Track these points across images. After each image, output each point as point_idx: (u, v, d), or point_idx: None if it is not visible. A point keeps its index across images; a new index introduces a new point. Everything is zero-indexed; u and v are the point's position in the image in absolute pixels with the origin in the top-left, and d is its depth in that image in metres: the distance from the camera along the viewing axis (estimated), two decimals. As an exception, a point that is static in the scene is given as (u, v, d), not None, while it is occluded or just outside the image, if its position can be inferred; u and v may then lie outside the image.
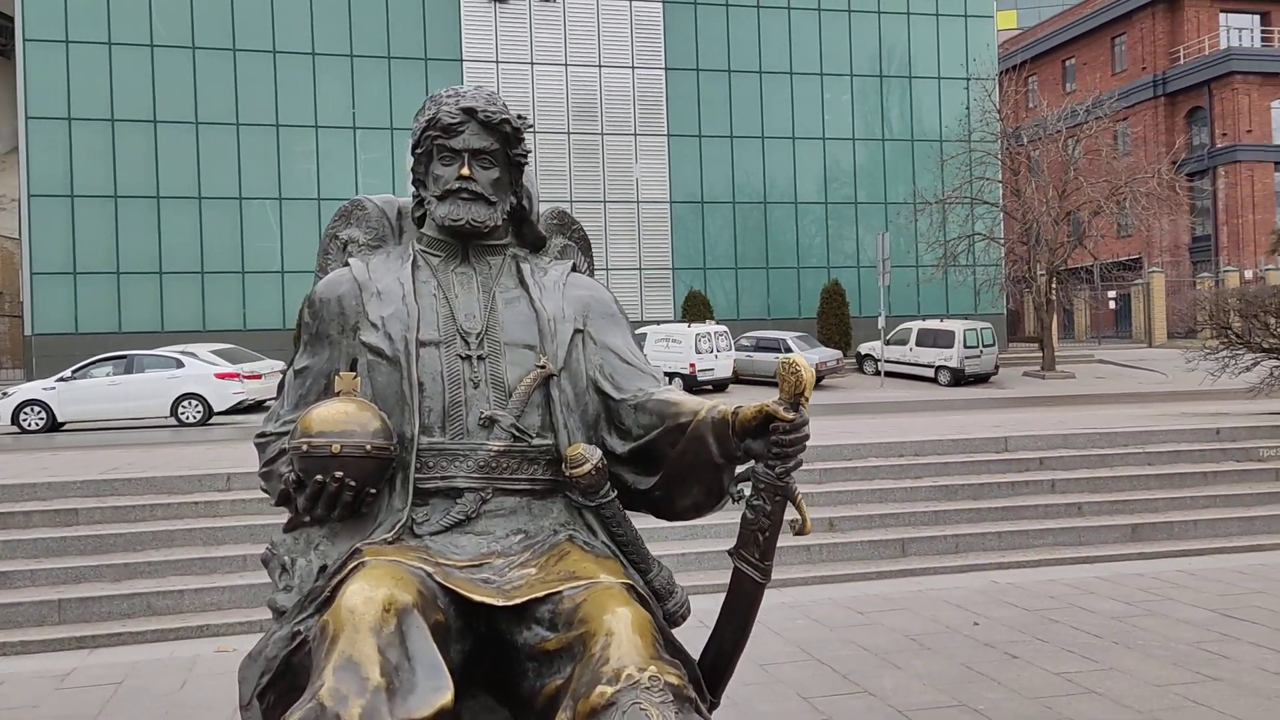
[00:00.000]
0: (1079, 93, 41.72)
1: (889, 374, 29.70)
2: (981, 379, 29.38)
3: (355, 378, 2.83)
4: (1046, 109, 33.35)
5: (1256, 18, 46.22)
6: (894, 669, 6.07)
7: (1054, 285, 31.01)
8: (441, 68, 34.43)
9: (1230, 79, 43.50)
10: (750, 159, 36.91)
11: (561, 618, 2.44)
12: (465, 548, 2.72)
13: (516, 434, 2.85)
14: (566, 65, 35.90)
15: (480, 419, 2.85)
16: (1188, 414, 13.58)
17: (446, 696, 2.22)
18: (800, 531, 2.60)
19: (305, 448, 2.65)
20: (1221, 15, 46.21)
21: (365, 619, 2.27)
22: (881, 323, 29.37)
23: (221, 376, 22.82)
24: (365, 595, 2.33)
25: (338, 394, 2.80)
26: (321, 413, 2.69)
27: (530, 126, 3.16)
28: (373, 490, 2.75)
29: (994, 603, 7.57)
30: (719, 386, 26.99)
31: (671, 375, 24.98)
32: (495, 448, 2.83)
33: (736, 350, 28.65)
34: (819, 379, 27.08)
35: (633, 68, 36.40)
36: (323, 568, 2.72)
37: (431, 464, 2.81)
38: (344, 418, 2.68)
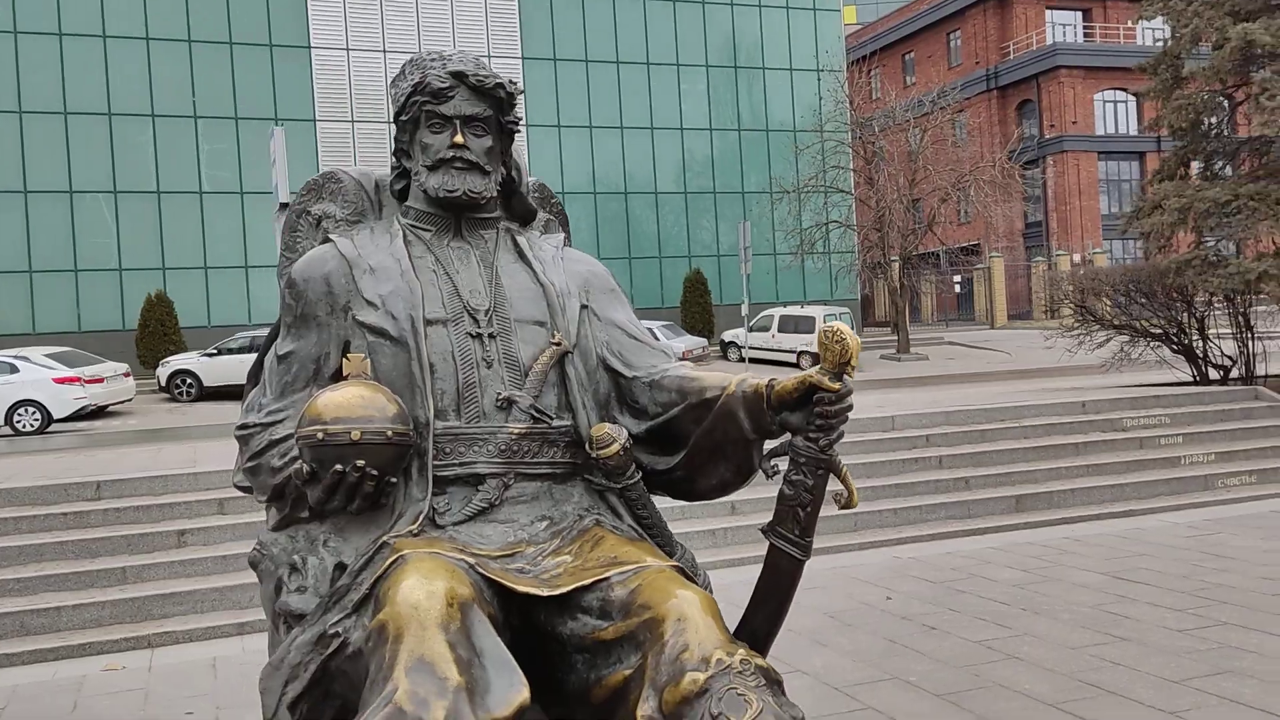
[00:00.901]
0: (918, 85, 43.39)
1: (753, 360, 30.19)
2: (842, 363, 30.16)
3: (365, 359, 2.63)
4: (895, 99, 34.50)
5: (1079, 14, 48.91)
6: (821, 647, 6.10)
7: (906, 270, 32.15)
8: (288, 55, 33.17)
9: (1056, 73, 45.92)
10: (610, 149, 36.90)
11: (615, 605, 2.31)
12: (491, 537, 2.56)
13: (536, 415, 2.69)
14: (420, 54, 35.10)
15: (498, 400, 2.68)
16: (1051, 389, 14.22)
17: (524, 693, 2.09)
18: (846, 505, 2.52)
19: (320, 435, 2.44)
20: (1047, 12, 48.72)
21: (431, 615, 2.12)
22: (745, 310, 29.85)
23: (60, 381, 21.41)
24: (426, 589, 2.16)
25: (346, 377, 2.59)
26: (335, 398, 2.48)
27: (521, 91, 3.00)
28: (393, 479, 2.56)
29: (901, 577, 7.73)
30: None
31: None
32: (516, 430, 2.67)
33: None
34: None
35: (489, 56, 35.81)
36: (339, 565, 2.52)
37: (448, 450, 2.63)
38: (361, 402, 2.48)
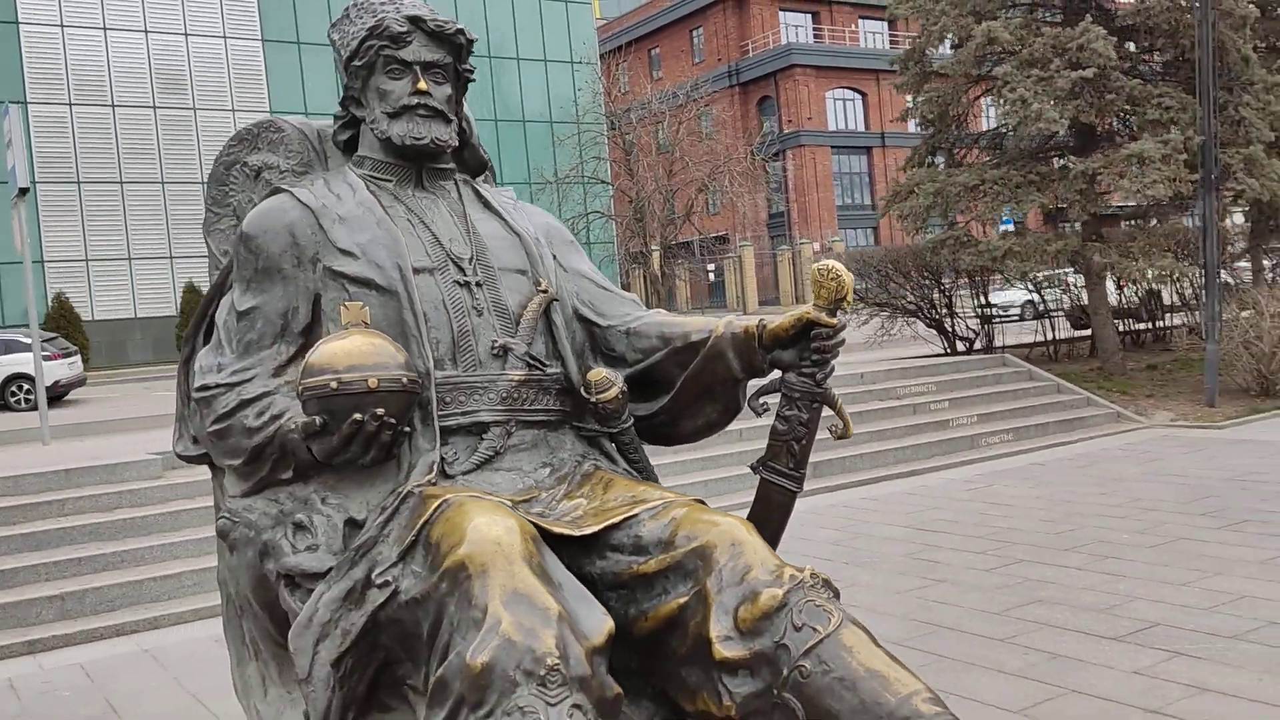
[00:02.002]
0: (665, 80, 44.64)
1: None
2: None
3: (363, 307, 2.51)
4: (650, 91, 35.36)
5: (809, 16, 51.81)
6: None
7: (665, 260, 33.07)
8: (-6, 30, 30.10)
9: (792, 71, 48.46)
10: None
11: (650, 540, 2.32)
12: (501, 485, 2.51)
13: (532, 362, 2.67)
14: (146, 32, 32.69)
15: (493, 348, 2.64)
16: (824, 364, 15.03)
17: (611, 622, 2.09)
18: (843, 435, 2.64)
19: (335, 385, 2.33)
20: (781, 13, 51.29)
21: (515, 549, 2.07)
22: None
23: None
24: (504, 525, 2.11)
25: (345, 326, 2.47)
26: (345, 346, 2.38)
27: (475, 39, 2.91)
28: (407, 429, 2.46)
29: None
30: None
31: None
32: (515, 378, 2.64)
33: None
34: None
35: (225, 37, 33.90)
36: (349, 521, 2.42)
37: (449, 399, 2.57)
38: (372, 349, 2.38)
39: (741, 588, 2.17)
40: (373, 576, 2.23)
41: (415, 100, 2.77)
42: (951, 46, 14.76)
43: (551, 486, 2.58)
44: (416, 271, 2.65)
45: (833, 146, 49.46)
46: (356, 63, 2.80)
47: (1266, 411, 12.11)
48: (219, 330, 2.76)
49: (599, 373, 2.71)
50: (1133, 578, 6.33)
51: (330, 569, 2.36)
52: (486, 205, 2.97)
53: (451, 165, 2.97)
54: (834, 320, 2.53)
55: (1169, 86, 12.90)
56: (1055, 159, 13.84)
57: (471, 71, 2.94)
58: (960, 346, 15.44)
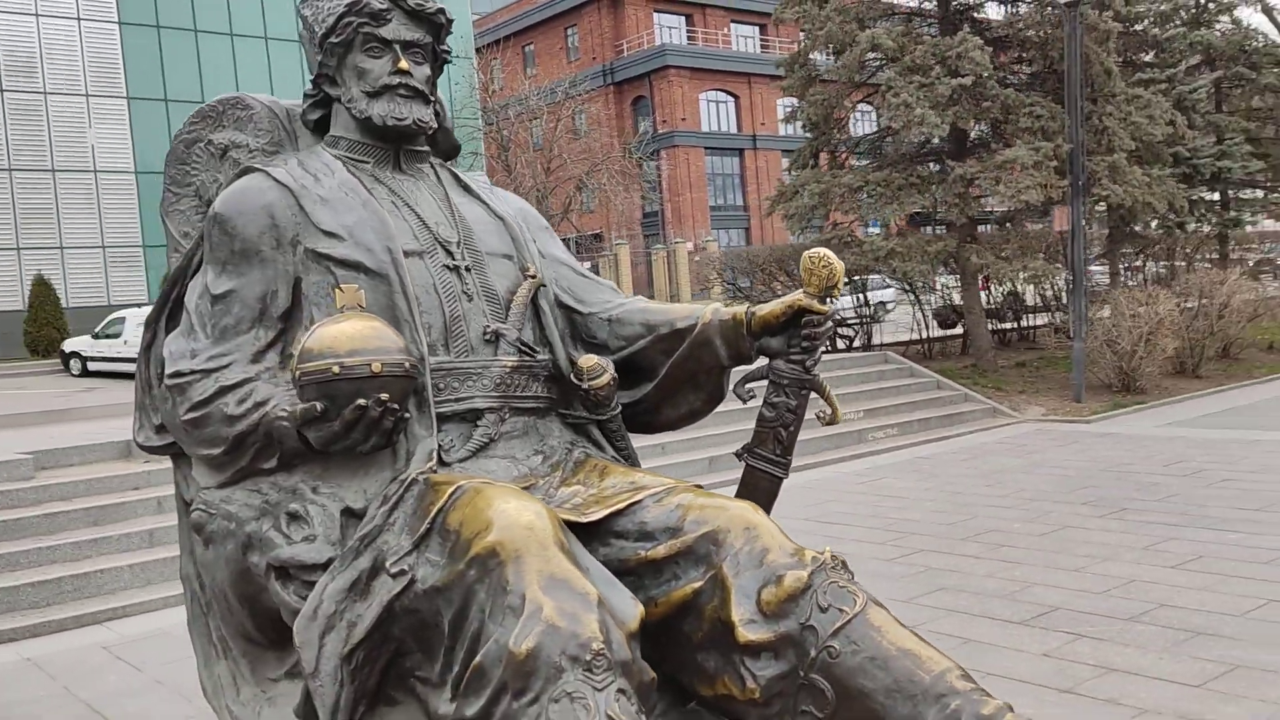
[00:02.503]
0: (539, 78, 44.35)
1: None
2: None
3: (358, 290, 2.43)
4: (527, 88, 35.11)
5: (683, 18, 52.31)
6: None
7: (543, 257, 32.92)
8: None
9: (666, 72, 48.82)
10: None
11: (657, 526, 2.31)
12: (496, 473, 2.46)
13: (523, 349, 2.64)
14: (-7, 11, 30.81)
15: (485, 334, 2.60)
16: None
17: (640, 606, 2.10)
18: (831, 420, 2.65)
19: (336, 369, 2.25)
20: (655, 14, 51.64)
21: (548, 534, 2.05)
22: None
23: None
24: (533, 510, 2.08)
25: (341, 309, 2.38)
26: (344, 330, 2.29)
27: (454, 20, 2.83)
28: (407, 414, 2.40)
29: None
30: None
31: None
32: (508, 364, 2.60)
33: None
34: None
35: (79, 19, 32.18)
36: (345, 510, 2.35)
37: (442, 385, 2.51)
38: (372, 333, 2.30)
39: (761, 571, 2.17)
40: (386, 565, 2.16)
41: (396, 80, 2.70)
42: (833, 53, 15.13)
43: (546, 474, 2.54)
44: (406, 255, 2.58)
45: (706, 147, 50.05)
46: (333, 39, 2.71)
47: (1128, 406, 12.81)
48: (189, 314, 2.63)
49: (590, 359, 2.68)
50: (1029, 564, 6.60)
51: (329, 560, 2.29)
52: (466, 189, 2.92)
53: (427, 148, 2.90)
54: (825, 307, 2.56)
55: (1039, 96, 13.51)
56: (932, 163, 14.33)
57: (449, 52, 2.87)
58: (840, 345, 15.84)
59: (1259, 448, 10.06)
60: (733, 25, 53.29)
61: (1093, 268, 18.26)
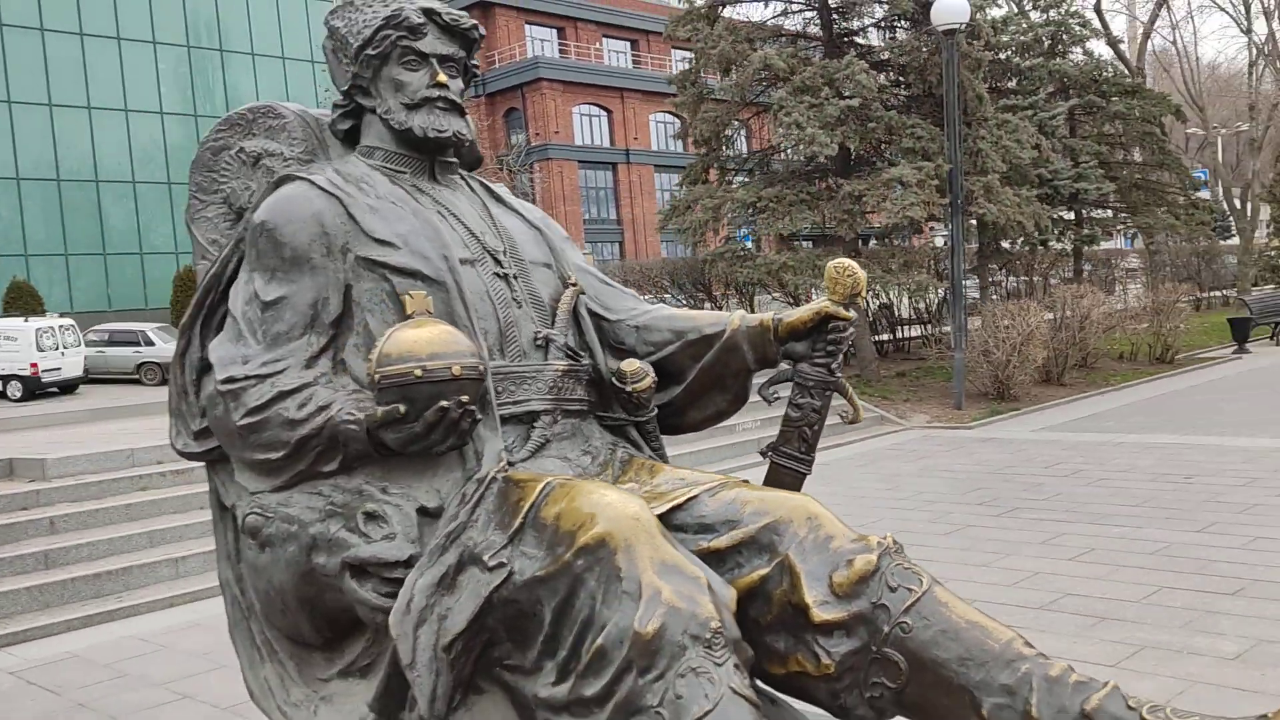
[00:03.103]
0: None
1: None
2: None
3: (427, 296, 2.51)
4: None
5: (555, 31, 52.46)
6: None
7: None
8: None
9: (539, 84, 48.84)
10: (75, 131, 32.80)
11: (716, 519, 2.45)
12: (554, 472, 2.56)
13: (570, 353, 2.76)
14: None
15: (536, 339, 2.71)
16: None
17: (734, 590, 2.25)
18: (853, 420, 2.84)
19: (419, 373, 2.32)
20: (527, 26, 51.63)
21: (652, 524, 2.20)
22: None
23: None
24: (636, 502, 2.24)
25: (410, 315, 2.45)
26: (423, 334, 2.37)
27: (484, 35, 2.93)
28: (479, 416, 2.47)
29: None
30: (67, 388, 23.72)
31: (8, 378, 21.65)
32: (559, 368, 2.72)
33: (87, 346, 25.51)
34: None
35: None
36: (420, 509, 2.43)
37: (499, 389, 2.61)
38: (450, 337, 2.39)
39: (828, 555, 2.34)
40: (484, 559, 2.25)
41: (435, 93, 2.77)
42: (720, 72, 15.53)
43: (597, 473, 2.66)
44: (463, 262, 2.67)
45: (579, 161, 50.26)
46: (369, 51, 2.76)
47: (1004, 413, 13.56)
48: (237, 321, 2.64)
49: (633, 363, 2.81)
50: (940, 562, 6.96)
51: (410, 556, 2.36)
52: (498, 199, 3.02)
53: (456, 160, 2.98)
54: (850, 314, 2.75)
55: (919, 119, 14.20)
56: (820, 181, 14.87)
57: (477, 67, 2.96)
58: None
59: (1124, 449, 10.82)
60: (605, 40, 53.71)
61: (965, 282, 19.23)
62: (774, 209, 13.73)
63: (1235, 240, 27.81)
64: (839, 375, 2.82)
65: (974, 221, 15.44)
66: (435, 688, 2.24)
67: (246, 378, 2.55)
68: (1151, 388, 15.53)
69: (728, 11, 15.24)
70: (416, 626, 2.25)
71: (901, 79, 15.05)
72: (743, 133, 16.16)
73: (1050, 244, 18.51)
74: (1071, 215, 20.04)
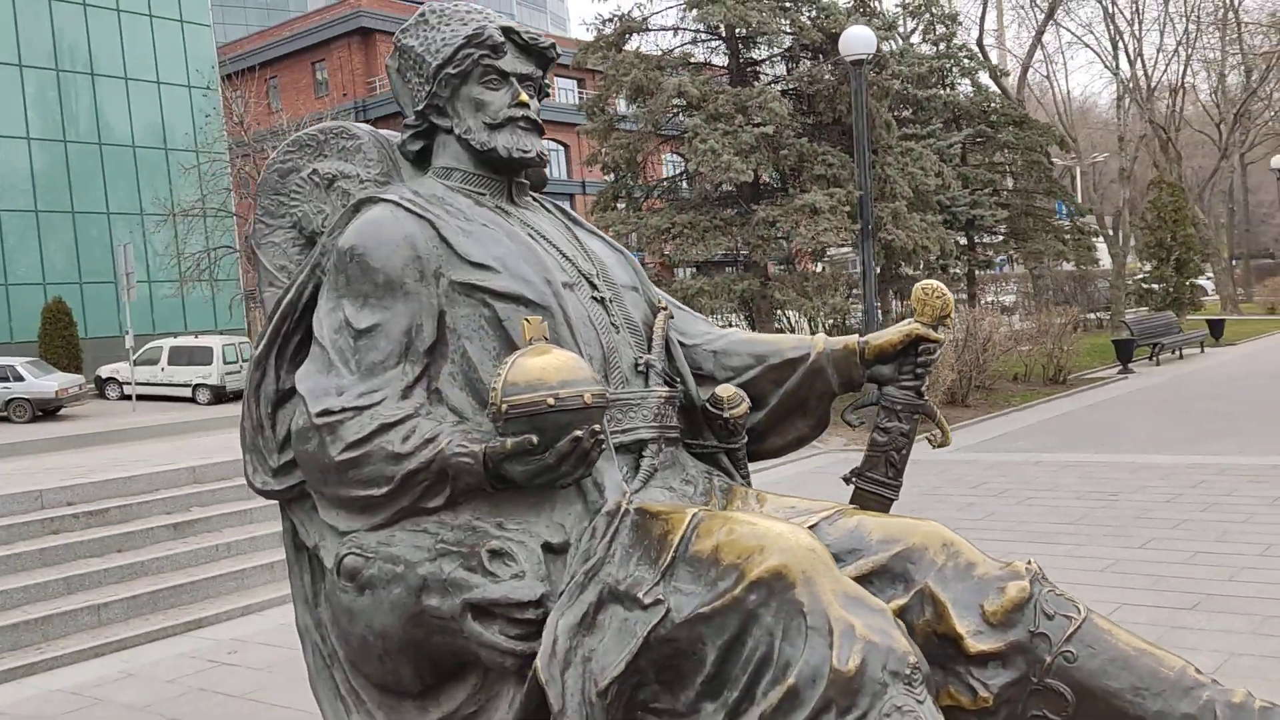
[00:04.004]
0: (285, 112, 42.69)
1: (141, 397, 27.49)
2: (241, 395, 28.83)
3: (543, 322, 2.41)
4: (286, 119, 33.67)
5: (436, 59, 52.03)
6: None
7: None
8: None
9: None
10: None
11: (840, 547, 2.38)
12: (661, 502, 2.46)
13: (668, 380, 2.69)
14: None
15: (637, 365, 2.63)
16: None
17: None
18: (941, 444, 2.78)
19: (552, 401, 2.21)
20: (408, 53, 51.07)
21: (827, 555, 2.13)
22: (129, 342, 27.05)
23: None
24: (807, 534, 2.16)
25: (529, 341, 2.36)
26: (552, 362, 2.27)
27: (560, 55, 2.83)
28: (606, 445, 2.38)
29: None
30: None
31: None
32: (662, 395, 2.63)
33: (-51, 383, 24.01)
34: (60, 407, 24.61)
35: None
36: (546, 544, 2.31)
37: (608, 417, 2.48)
38: (576, 365, 2.30)
39: (974, 583, 2.27)
40: (639, 596, 2.13)
41: (519, 113, 2.69)
42: (628, 99, 15.57)
43: (704, 502, 2.55)
44: (562, 286, 2.58)
45: (463, 188, 49.88)
46: (450, 70, 2.67)
47: (919, 434, 13.79)
48: (326, 351, 2.49)
49: (729, 389, 2.73)
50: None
51: (541, 596, 2.23)
52: (576, 221, 2.93)
53: (527, 180, 2.88)
54: (941, 336, 2.72)
55: (829, 146, 14.48)
56: (733, 207, 15.01)
57: (549, 86, 2.83)
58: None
59: (1044, 468, 11.13)
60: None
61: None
62: (688, 235, 13.78)
63: (1106, 264, 29.24)
64: (927, 398, 2.75)
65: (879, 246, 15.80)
66: None
67: (343, 410, 2.40)
68: (1049, 408, 16.08)
69: (634, 42, 15.31)
70: (563, 671, 2.12)
71: (810, 108, 15.34)
72: (661, 159, 16.24)
73: (949, 268, 19.11)
74: (965, 240, 20.76)
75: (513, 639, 2.25)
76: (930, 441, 2.86)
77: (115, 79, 34.79)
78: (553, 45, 2.81)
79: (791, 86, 14.88)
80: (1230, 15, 31.61)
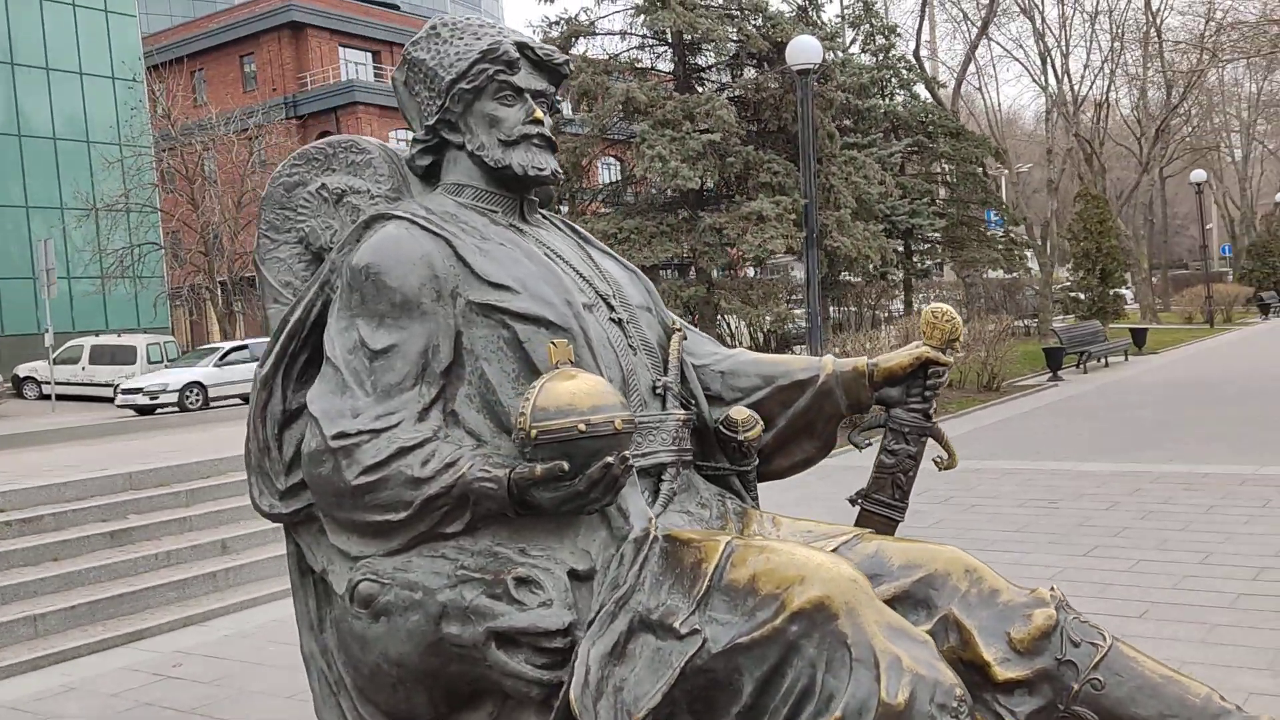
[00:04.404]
0: (212, 105, 41.73)
1: (60, 397, 26.66)
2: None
3: (568, 345, 2.38)
4: (215, 113, 32.89)
5: (370, 55, 51.34)
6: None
7: (236, 296, 30.87)
8: None
9: (354, 108, 47.61)
10: None
11: (861, 571, 2.31)
12: (683, 527, 2.44)
13: (684, 402, 2.67)
14: None
15: (655, 388, 2.60)
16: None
17: None
18: (948, 466, 2.78)
19: (584, 427, 2.18)
20: (341, 49, 50.33)
21: (868, 586, 2.13)
22: (49, 340, 26.23)
23: None
24: (846, 563, 2.16)
25: (555, 365, 2.33)
26: (581, 386, 2.24)
27: (572, 71, 2.78)
28: (633, 471, 2.36)
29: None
30: None
31: None
32: (680, 417, 2.62)
33: None
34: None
35: None
36: (572, 571, 2.28)
37: None
38: (607, 389, 2.27)
39: (999, 610, 2.28)
40: (675, 626, 2.11)
41: (533, 129, 2.65)
42: (574, 105, 15.50)
43: (720, 526, 2.53)
44: (585, 308, 2.54)
45: (396, 187, 49.26)
46: (464, 85, 2.61)
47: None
48: (340, 371, 2.42)
49: (743, 411, 2.71)
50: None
51: (570, 624, 2.20)
52: (587, 240, 2.89)
53: (537, 197, 2.84)
54: (949, 359, 2.72)
55: (775, 155, 14.58)
56: (678, 213, 15.04)
57: (560, 101, 2.78)
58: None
59: (984, 475, 11.30)
60: (421, 66, 52.93)
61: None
62: (635, 240, 13.77)
63: (1035, 273, 29.92)
64: (935, 421, 2.76)
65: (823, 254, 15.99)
66: None
67: (360, 432, 2.34)
68: (986, 414, 16.36)
69: (580, 46, 15.26)
70: (595, 701, 2.09)
71: (755, 115, 15.43)
72: (608, 164, 16.21)
73: (889, 276, 19.39)
74: (902, 249, 21.09)
75: (539, 668, 2.21)
76: (937, 463, 2.87)
77: (36, 69, 33.73)
78: (566, 62, 2.79)
79: (737, 94, 14.96)
80: (1153, 32, 32.60)
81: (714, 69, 15.83)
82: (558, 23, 14.93)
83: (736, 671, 2.06)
